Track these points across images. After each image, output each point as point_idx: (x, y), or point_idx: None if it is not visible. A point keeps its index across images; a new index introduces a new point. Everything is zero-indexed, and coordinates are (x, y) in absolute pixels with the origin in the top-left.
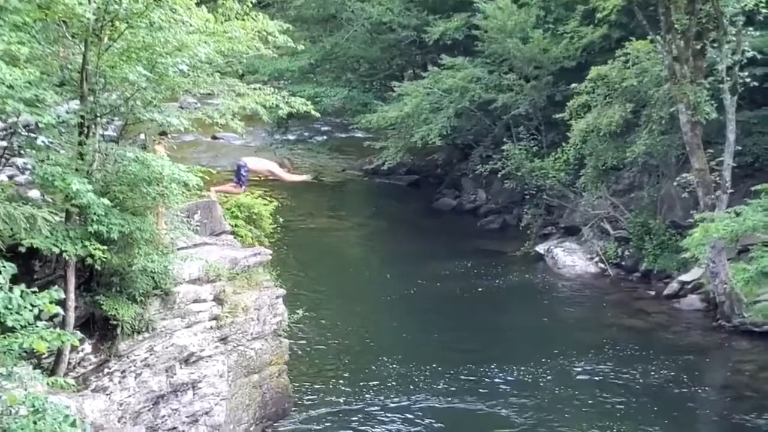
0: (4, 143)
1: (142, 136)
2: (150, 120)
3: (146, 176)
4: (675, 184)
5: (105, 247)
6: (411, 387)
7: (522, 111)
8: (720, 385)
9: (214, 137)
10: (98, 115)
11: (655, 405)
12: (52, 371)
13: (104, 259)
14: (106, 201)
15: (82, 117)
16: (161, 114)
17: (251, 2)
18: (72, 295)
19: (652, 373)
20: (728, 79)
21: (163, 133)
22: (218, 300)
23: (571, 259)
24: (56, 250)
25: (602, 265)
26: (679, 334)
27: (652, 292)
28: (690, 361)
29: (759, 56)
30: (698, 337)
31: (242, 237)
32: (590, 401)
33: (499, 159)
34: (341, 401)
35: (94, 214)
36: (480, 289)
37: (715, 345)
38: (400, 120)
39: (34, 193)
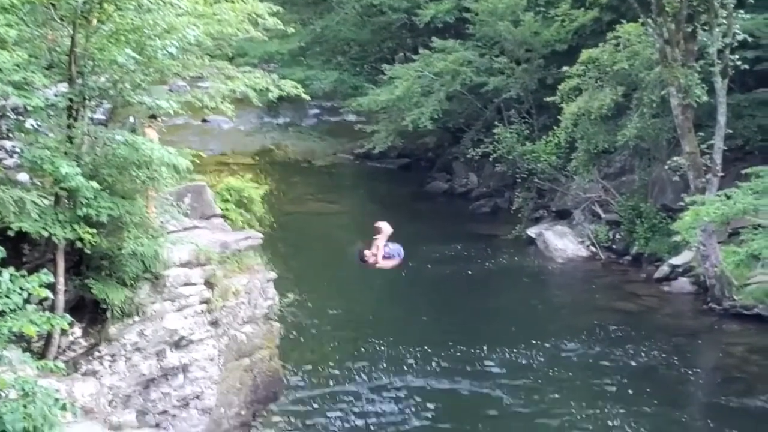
0: None
1: (132, 119)
2: (139, 103)
3: (135, 160)
4: (666, 167)
5: (94, 231)
6: (402, 369)
7: (513, 94)
8: (710, 367)
9: (204, 120)
10: (87, 98)
11: (645, 386)
12: (41, 355)
13: (93, 243)
14: (95, 184)
15: (70, 100)
16: (150, 97)
17: None
18: (61, 279)
19: (643, 355)
20: (719, 62)
21: (153, 117)
22: (209, 284)
23: (562, 243)
24: (45, 234)
25: (593, 249)
26: (670, 316)
27: (643, 276)
28: (680, 344)
29: (750, 39)
30: (689, 319)
31: (233, 221)
32: (581, 382)
33: (491, 142)
34: (332, 383)
35: (83, 197)
36: (471, 272)
37: (706, 328)
38: (391, 103)
39: (23, 177)
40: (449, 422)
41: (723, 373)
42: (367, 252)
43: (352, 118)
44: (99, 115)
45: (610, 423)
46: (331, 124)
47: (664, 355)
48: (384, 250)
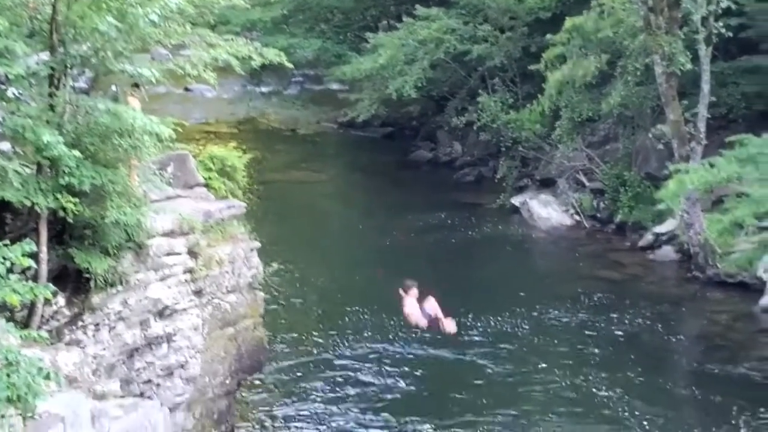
0: None
1: (114, 87)
2: (121, 71)
3: (118, 128)
4: (650, 135)
5: (77, 200)
6: (386, 337)
7: (497, 62)
8: (694, 335)
9: (187, 89)
10: (68, 66)
11: (629, 354)
12: (25, 324)
13: (76, 212)
14: (77, 153)
15: (52, 68)
16: (132, 65)
17: None
18: (44, 248)
19: (627, 323)
20: (703, 29)
21: (136, 85)
22: (192, 253)
23: (547, 211)
24: (28, 203)
25: (577, 217)
26: (654, 284)
27: (627, 244)
28: (664, 312)
29: (734, 6)
30: (673, 287)
31: (216, 189)
32: (566, 350)
33: (475, 111)
34: (316, 352)
35: (66, 166)
36: (455, 241)
37: (690, 295)
38: (374, 72)
39: (5, 146)
40: (434, 390)
41: (707, 340)
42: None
43: (335, 86)
44: (81, 84)
45: (594, 390)
46: (314, 92)
47: (648, 323)
48: (425, 311)
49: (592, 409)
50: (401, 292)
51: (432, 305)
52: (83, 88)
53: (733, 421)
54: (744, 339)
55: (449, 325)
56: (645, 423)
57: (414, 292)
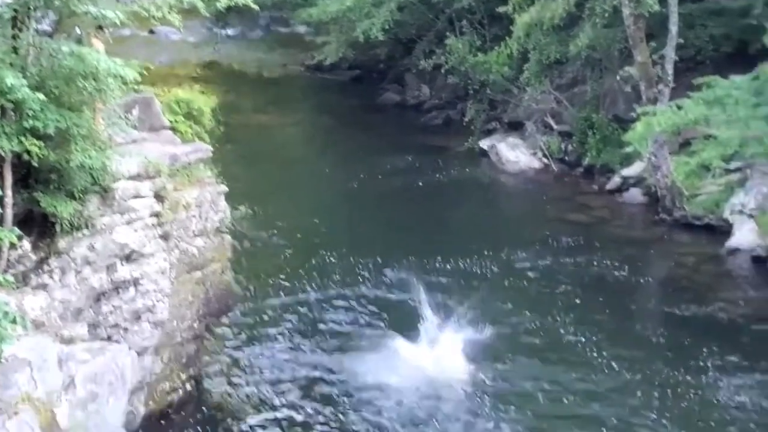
0: None
1: (78, 30)
2: (85, 13)
3: (82, 71)
4: (618, 78)
5: (41, 143)
6: (354, 279)
7: (465, 4)
8: (661, 277)
9: (151, 32)
10: (32, 8)
11: (597, 296)
12: None
13: (41, 156)
14: (41, 96)
15: (15, 10)
16: (96, 7)
17: None
18: (9, 192)
19: (594, 265)
20: None
21: (100, 28)
22: (158, 197)
23: (515, 155)
24: None
25: (545, 160)
26: (621, 227)
27: (595, 187)
28: (632, 254)
29: None
30: (640, 230)
31: (182, 133)
32: (534, 292)
33: (442, 54)
34: (283, 295)
35: (30, 109)
36: (423, 184)
37: (657, 238)
38: (341, 14)
39: None
40: (401, 331)
41: (673, 282)
42: None
43: (302, 29)
44: (45, 27)
45: (562, 332)
46: (280, 35)
47: (615, 265)
48: None
49: (560, 351)
50: None
51: None
52: (47, 31)
53: (701, 362)
54: (710, 281)
55: None
56: (613, 364)
57: None
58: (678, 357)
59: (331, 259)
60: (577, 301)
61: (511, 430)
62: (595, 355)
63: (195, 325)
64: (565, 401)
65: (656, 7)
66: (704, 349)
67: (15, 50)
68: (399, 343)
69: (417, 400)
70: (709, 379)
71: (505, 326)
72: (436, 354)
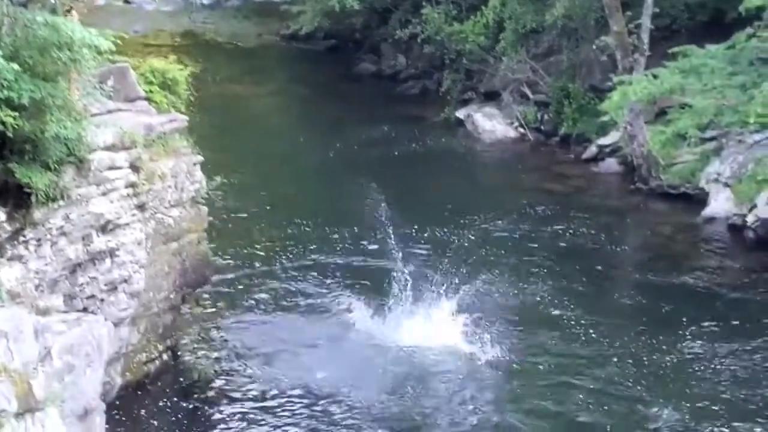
0: None
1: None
2: None
3: (57, 41)
4: (594, 47)
5: (16, 114)
6: (330, 248)
7: None
8: (638, 246)
9: (126, 2)
10: None
11: (574, 264)
12: None
13: (16, 126)
14: (15, 66)
15: None
16: None
17: None
18: None
19: (571, 234)
20: None
21: None
22: (134, 167)
23: (491, 124)
24: None
25: (522, 130)
26: (598, 197)
27: (571, 156)
28: (608, 223)
29: None
30: (616, 199)
31: (157, 103)
32: (510, 261)
33: (419, 23)
34: (260, 265)
35: (4, 79)
36: (399, 155)
37: (633, 207)
38: None
39: None
40: (378, 298)
41: (650, 251)
42: None
43: None
44: None
45: (538, 299)
46: (255, 4)
47: (592, 234)
48: None
49: (537, 318)
50: None
51: None
52: (21, 1)
53: (677, 329)
54: (687, 249)
55: None
56: (590, 331)
57: None
58: (654, 324)
59: (307, 228)
60: (555, 269)
61: (481, 395)
62: (572, 322)
63: (171, 295)
64: (541, 368)
65: None
66: (680, 317)
67: None
68: (374, 310)
69: (391, 366)
70: (685, 346)
71: (481, 294)
72: (413, 321)
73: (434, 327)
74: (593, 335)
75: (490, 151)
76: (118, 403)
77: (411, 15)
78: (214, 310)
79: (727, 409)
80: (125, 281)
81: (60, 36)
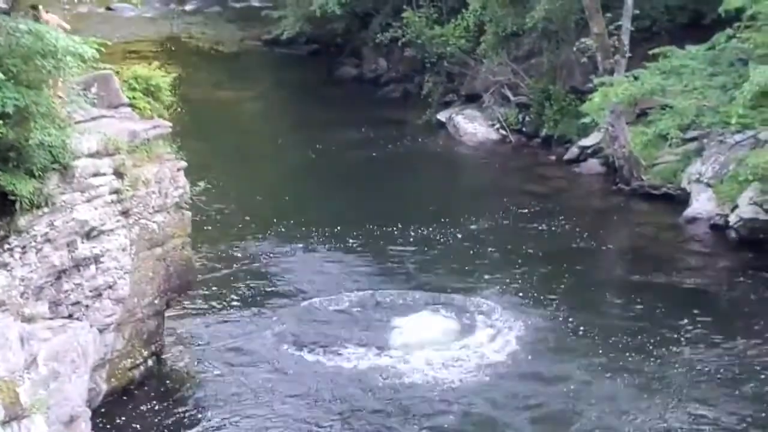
0: None
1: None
2: None
3: (40, 49)
4: (574, 49)
5: (0, 122)
6: (315, 248)
7: None
8: (620, 246)
9: (109, 8)
10: None
11: (558, 264)
12: None
13: (0, 134)
14: None
15: None
16: None
17: None
18: None
19: (554, 234)
20: None
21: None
22: (118, 173)
23: (473, 126)
24: None
25: (503, 132)
26: (580, 198)
27: (553, 157)
28: (591, 224)
29: None
30: (598, 200)
31: (141, 109)
32: (494, 260)
33: (399, 27)
34: (245, 268)
35: None
36: (381, 157)
37: (615, 208)
38: None
39: None
40: (363, 295)
41: (633, 251)
42: None
43: (257, 3)
44: (1, 5)
45: (522, 298)
46: (237, 9)
47: (575, 234)
48: None
49: (520, 318)
50: None
51: None
52: (3, 9)
53: (659, 328)
54: (669, 249)
55: None
56: (572, 332)
57: None
58: (637, 323)
59: (291, 229)
60: (537, 269)
61: (463, 389)
62: (555, 323)
63: (156, 301)
64: (525, 364)
65: None
66: (663, 315)
67: None
68: (358, 306)
69: (374, 363)
70: (667, 344)
71: (467, 292)
72: (404, 316)
73: (416, 322)
74: (576, 334)
75: (471, 153)
76: (103, 409)
77: (392, 19)
78: (198, 314)
79: (709, 407)
80: (110, 287)
81: (44, 44)
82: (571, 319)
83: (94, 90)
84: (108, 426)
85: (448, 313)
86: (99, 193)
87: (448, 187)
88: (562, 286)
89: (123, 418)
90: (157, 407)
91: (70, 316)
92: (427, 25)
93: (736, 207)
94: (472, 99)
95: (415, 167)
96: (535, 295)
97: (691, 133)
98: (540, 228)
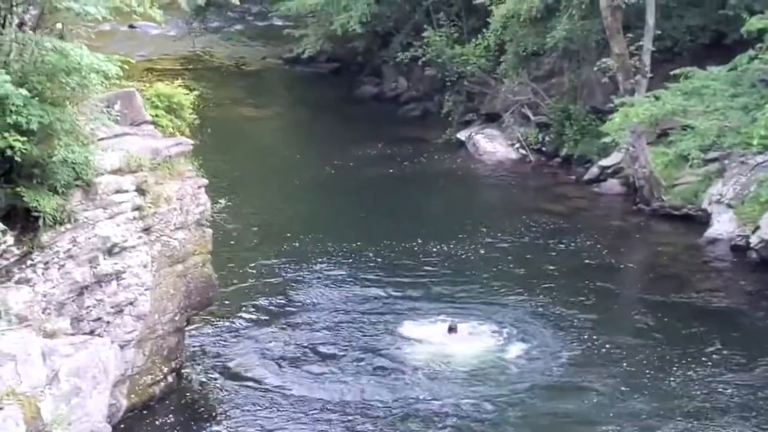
0: None
1: (59, 25)
2: (66, 8)
3: (65, 66)
4: (595, 69)
5: (25, 139)
6: (335, 264)
7: None
8: (641, 266)
9: (132, 26)
10: (14, 4)
11: (577, 282)
12: None
13: (24, 151)
14: (24, 92)
15: None
16: (78, 2)
17: None
18: None
19: (574, 254)
20: None
21: None
22: (140, 190)
23: (492, 146)
24: None
25: (523, 151)
26: (600, 217)
27: (573, 177)
28: (611, 243)
29: None
30: (618, 220)
31: (163, 127)
32: (515, 277)
33: (420, 46)
34: (264, 284)
35: (13, 104)
36: (401, 176)
37: (635, 228)
38: (319, 7)
39: None
40: (386, 312)
41: (653, 270)
42: None
43: (280, 22)
44: (27, 22)
45: (541, 311)
46: (259, 28)
47: (595, 253)
48: None
49: (539, 334)
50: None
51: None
52: (28, 26)
53: (679, 347)
54: (690, 269)
55: None
56: (592, 349)
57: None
58: (657, 342)
59: (312, 245)
60: (557, 287)
61: (481, 403)
62: (578, 337)
63: (176, 317)
64: (544, 380)
65: None
66: (683, 335)
67: None
68: (378, 320)
69: (402, 376)
70: (687, 364)
71: (490, 305)
72: (425, 330)
73: (442, 338)
74: (596, 351)
75: (491, 173)
76: (123, 425)
77: (413, 38)
78: (219, 331)
79: (728, 428)
80: (131, 304)
81: (68, 61)
82: (590, 337)
83: (117, 107)
84: None
85: (467, 328)
86: (121, 210)
87: (467, 205)
88: (582, 304)
89: None
90: (177, 423)
91: (91, 332)
92: (447, 44)
93: (757, 228)
94: (492, 118)
95: (434, 185)
96: (555, 311)
97: (712, 154)
98: (560, 246)
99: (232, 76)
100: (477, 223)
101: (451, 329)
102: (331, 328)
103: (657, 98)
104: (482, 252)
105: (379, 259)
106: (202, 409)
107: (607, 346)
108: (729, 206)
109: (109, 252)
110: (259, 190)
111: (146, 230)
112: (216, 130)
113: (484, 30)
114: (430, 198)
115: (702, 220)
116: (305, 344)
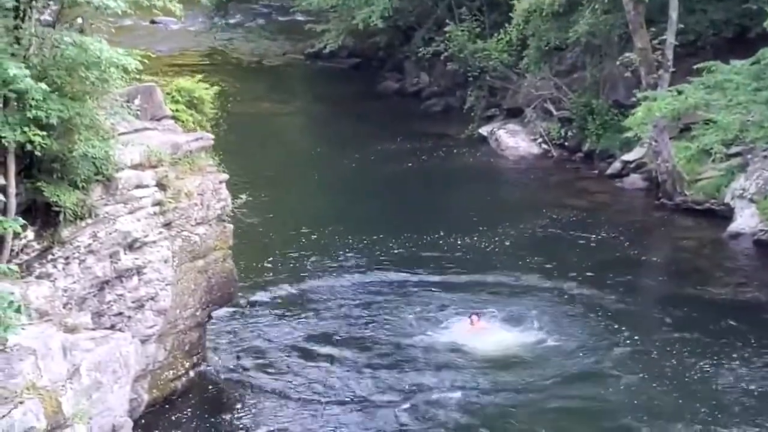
0: None
1: (80, 20)
2: (87, 2)
3: (84, 60)
4: (618, 63)
5: (45, 133)
6: (357, 257)
7: None
8: (663, 260)
9: (153, 21)
10: None
11: (599, 276)
12: None
13: (44, 145)
14: (44, 86)
15: (17, 1)
16: None
17: None
18: (12, 182)
19: (596, 247)
20: None
21: None
22: (161, 185)
23: (515, 141)
24: None
25: (545, 146)
26: (622, 212)
27: (595, 172)
28: (633, 238)
29: None
30: (641, 215)
31: (183, 122)
32: (535, 268)
33: (442, 41)
34: (285, 280)
35: (33, 99)
36: (423, 170)
37: (658, 222)
38: (341, 2)
39: None
40: (409, 304)
41: (676, 265)
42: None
43: (301, 17)
44: (46, 16)
45: (563, 304)
46: (280, 23)
47: (618, 246)
48: None
49: (562, 326)
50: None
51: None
52: (48, 21)
53: (704, 342)
54: (712, 264)
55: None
56: (615, 341)
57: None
58: (680, 335)
59: (333, 241)
60: (581, 281)
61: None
62: (600, 329)
63: (197, 312)
64: (566, 371)
65: None
66: (705, 329)
67: (17, 40)
68: (401, 312)
69: (417, 366)
70: (710, 357)
71: (503, 299)
72: (454, 326)
73: (471, 329)
74: (618, 344)
75: (513, 167)
76: (144, 420)
77: (434, 33)
78: (240, 327)
79: (751, 421)
80: (152, 299)
81: (88, 55)
82: (614, 329)
83: (137, 102)
84: None
85: (490, 320)
86: (142, 205)
87: (489, 199)
88: (605, 297)
89: (164, 429)
90: (198, 418)
91: (112, 327)
92: (469, 39)
93: None
94: (515, 113)
95: (456, 180)
96: (578, 304)
97: (734, 149)
98: (582, 241)
99: (253, 71)
100: (499, 217)
101: (473, 320)
102: (353, 321)
103: (679, 92)
104: (505, 245)
105: (401, 251)
106: (224, 403)
107: (631, 338)
108: (752, 201)
109: (130, 247)
110: (280, 185)
111: (167, 225)
112: (237, 126)
113: (507, 24)
114: (452, 193)
115: (725, 215)
116: (328, 338)
